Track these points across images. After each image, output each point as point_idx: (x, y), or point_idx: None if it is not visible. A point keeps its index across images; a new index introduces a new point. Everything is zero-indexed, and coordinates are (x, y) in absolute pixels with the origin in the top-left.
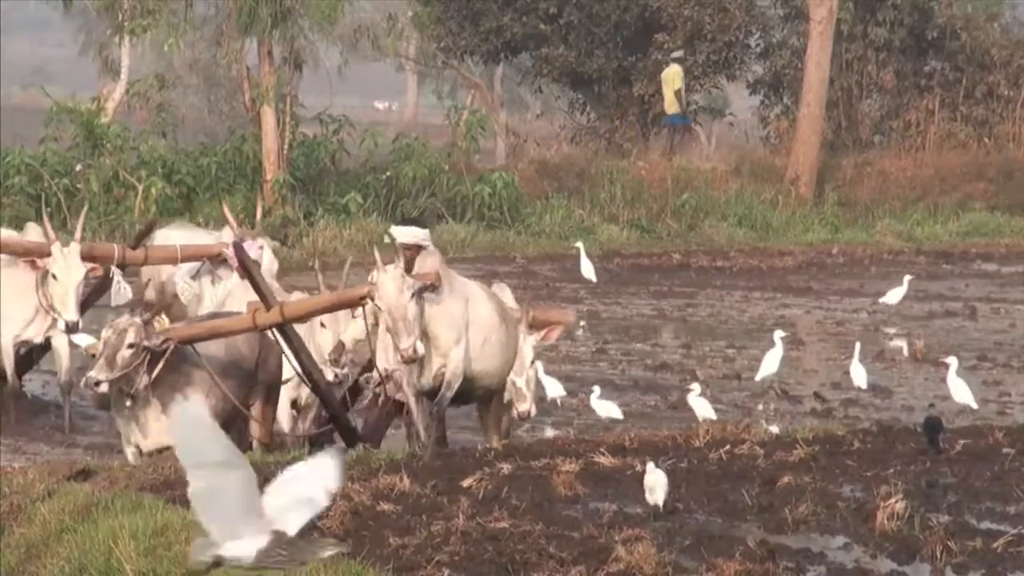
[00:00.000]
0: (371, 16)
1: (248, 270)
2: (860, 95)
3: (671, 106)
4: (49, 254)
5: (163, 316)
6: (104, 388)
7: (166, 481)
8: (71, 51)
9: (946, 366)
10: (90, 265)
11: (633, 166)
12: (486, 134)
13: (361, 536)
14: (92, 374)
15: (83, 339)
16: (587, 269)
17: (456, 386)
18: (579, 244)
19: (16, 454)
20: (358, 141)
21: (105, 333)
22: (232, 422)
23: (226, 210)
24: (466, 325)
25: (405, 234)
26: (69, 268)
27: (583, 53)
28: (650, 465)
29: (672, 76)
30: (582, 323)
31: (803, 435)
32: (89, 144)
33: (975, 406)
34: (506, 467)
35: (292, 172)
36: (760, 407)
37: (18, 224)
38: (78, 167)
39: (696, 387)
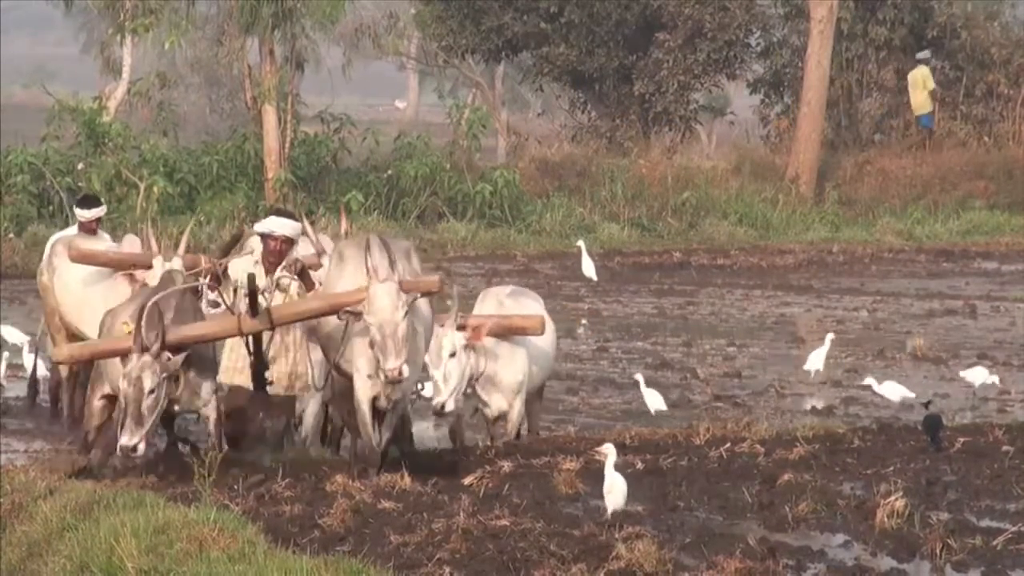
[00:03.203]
0: (372, 15)
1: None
2: (860, 94)
3: (921, 107)
4: (150, 266)
5: (128, 321)
6: (142, 451)
7: (167, 479)
8: (72, 50)
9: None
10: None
11: (634, 164)
12: (487, 132)
13: (362, 534)
14: (124, 442)
15: None
16: (588, 267)
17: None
18: (580, 242)
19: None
20: (359, 140)
21: (123, 386)
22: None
23: (305, 222)
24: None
25: (281, 226)
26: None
27: (584, 52)
28: (609, 467)
29: (923, 77)
30: (583, 321)
31: (803, 433)
32: (91, 143)
33: (913, 395)
34: (507, 465)
35: (293, 171)
36: (766, 398)
37: (19, 223)
38: (80, 166)
39: (640, 376)
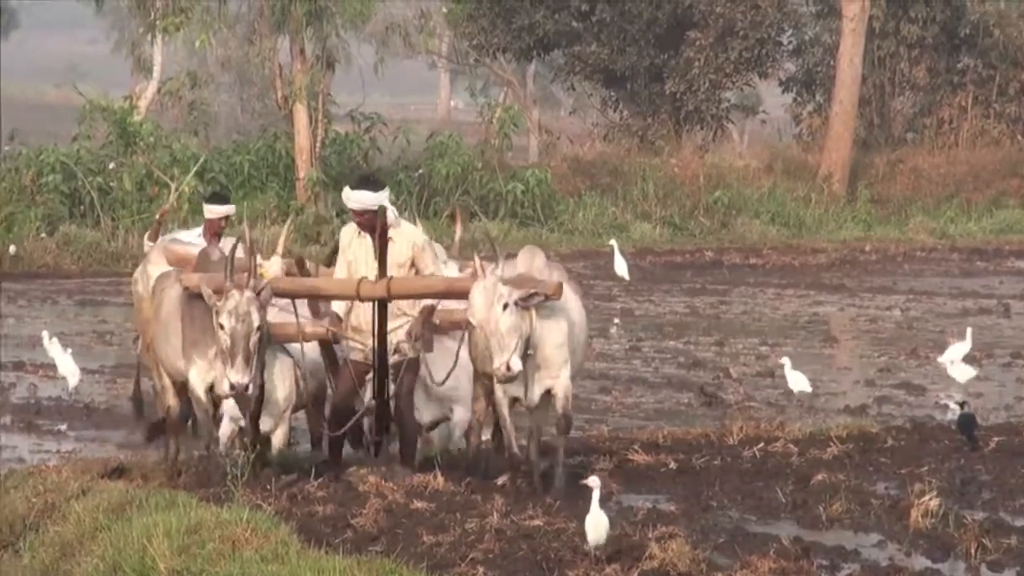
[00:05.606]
0: (403, 13)
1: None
2: (893, 92)
3: None
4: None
5: (263, 264)
6: (252, 390)
7: (199, 479)
8: (104, 49)
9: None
10: None
11: (666, 163)
12: (519, 131)
13: (395, 534)
14: (236, 379)
15: None
16: (620, 266)
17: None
18: (612, 241)
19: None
20: (390, 139)
21: (228, 323)
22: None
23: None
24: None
25: (358, 200)
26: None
27: (615, 50)
28: (594, 502)
29: None
30: (616, 320)
31: (837, 433)
32: (122, 142)
33: (809, 390)
34: (540, 465)
35: (325, 170)
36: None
37: (51, 223)
38: (111, 165)
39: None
